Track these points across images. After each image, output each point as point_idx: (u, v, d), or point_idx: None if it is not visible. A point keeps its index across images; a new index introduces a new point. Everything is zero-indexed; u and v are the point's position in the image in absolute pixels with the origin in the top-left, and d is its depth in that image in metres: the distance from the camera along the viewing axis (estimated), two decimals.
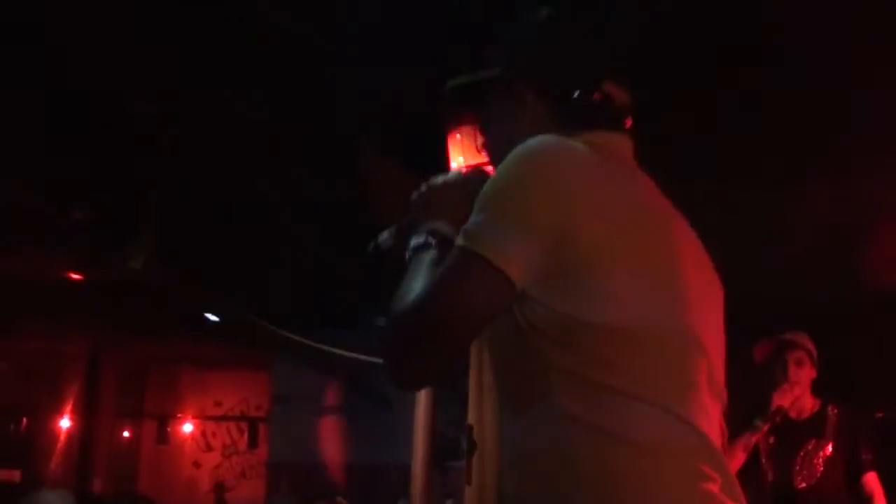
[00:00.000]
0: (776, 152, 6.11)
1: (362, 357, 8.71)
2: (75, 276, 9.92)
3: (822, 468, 5.81)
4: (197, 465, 16.18)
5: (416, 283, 1.96)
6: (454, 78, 2.29)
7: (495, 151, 2.20)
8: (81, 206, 7.35)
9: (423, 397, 6.92)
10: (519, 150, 1.90)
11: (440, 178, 2.29)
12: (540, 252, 1.81)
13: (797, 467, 5.84)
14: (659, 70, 4.49)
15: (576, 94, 2.12)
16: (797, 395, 6.02)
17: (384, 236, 2.37)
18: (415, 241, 2.14)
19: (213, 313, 8.87)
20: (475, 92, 2.27)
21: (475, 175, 2.29)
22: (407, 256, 2.14)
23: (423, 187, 2.29)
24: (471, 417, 3.00)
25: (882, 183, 6.40)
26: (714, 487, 1.80)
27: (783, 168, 6.29)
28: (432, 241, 2.12)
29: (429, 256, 2.08)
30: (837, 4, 4.52)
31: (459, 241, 1.86)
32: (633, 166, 2.10)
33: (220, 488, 15.21)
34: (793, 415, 6.04)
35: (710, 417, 1.92)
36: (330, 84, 5.57)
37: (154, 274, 6.93)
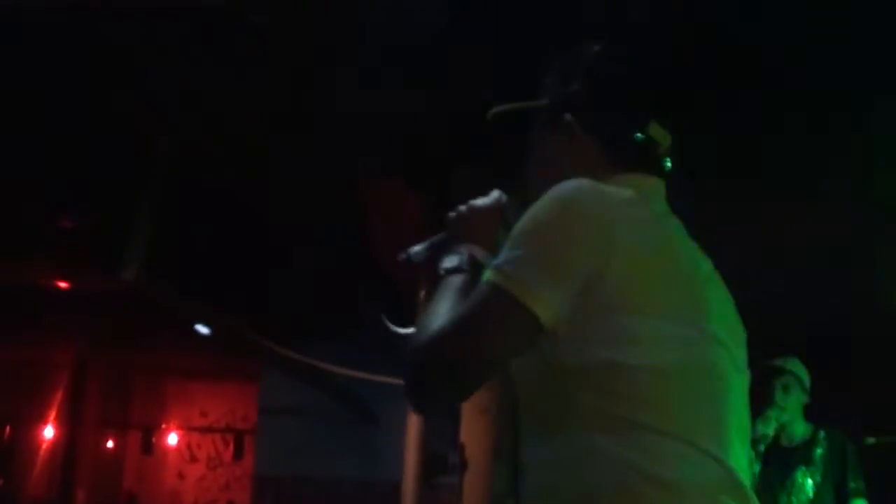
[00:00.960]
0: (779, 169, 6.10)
1: (350, 372, 8.67)
2: (62, 285, 9.85)
3: (811, 495, 5.81)
4: (181, 476, 16.10)
5: (443, 308, 2.00)
6: (499, 104, 2.32)
7: (536, 182, 2.21)
8: (71, 215, 7.30)
9: (413, 414, 6.90)
10: (556, 191, 1.94)
11: (480, 202, 2.33)
12: (570, 294, 1.84)
13: (787, 494, 5.83)
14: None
15: (625, 135, 2.16)
16: (785, 421, 6.00)
17: (416, 249, 2.42)
18: (448, 262, 2.21)
19: (203, 325, 8.79)
20: (520, 120, 2.31)
21: (515, 204, 2.31)
22: (439, 275, 2.20)
23: (463, 208, 2.33)
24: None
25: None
26: None
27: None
28: (466, 266, 2.18)
29: (460, 280, 2.13)
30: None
31: (490, 276, 1.89)
32: (667, 210, 2.14)
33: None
34: (784, 442, 6.03)
35: (738, 452, 1.92)
36: (328, 101, 5.54)
37: (144, 285, 6.85)
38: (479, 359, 1.88)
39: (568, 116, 2.17)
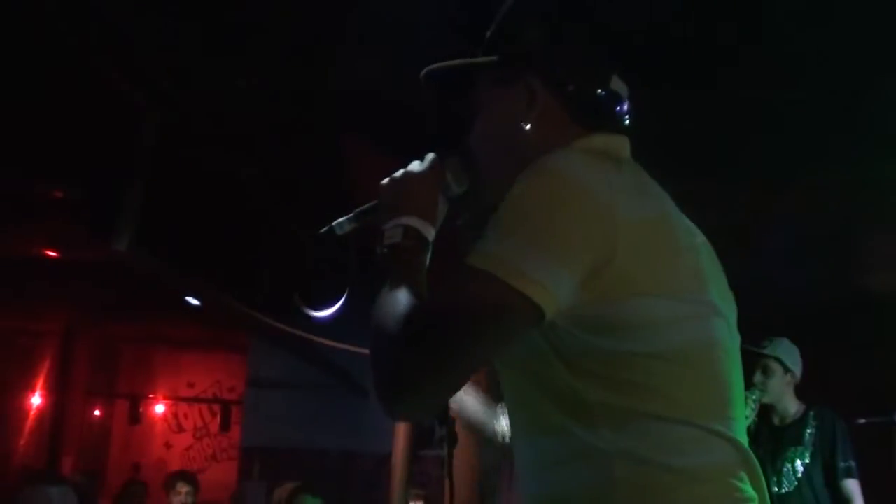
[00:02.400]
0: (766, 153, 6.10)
1: (339, 345, 8.66)
2: (52, 254, 9.82)
3: (801, 474, 5.83)
4: (168, 446, 16.09)
5: (403, 295, 1.83)
6: (438, 62, 2.15)
7: (488, 146, 2.09)
8: (61, 185, 7.27)
9: None
10: (545, 166, 1.78)
11: (416, 167, 2.13)
12: (574, 281, 1.71)
13: (777, 474, 5.86)
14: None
15: (589, 91, 2.02)
16: (770, 402, 6.02)
17: (341, 220, 2.23)
18: (389, 238, 2.02)
19: (193, 296, 8.77)
20: (464, 79, 2.14)
21: (451, 168, 2.15)
22: (379, 252, 2.02)
23: (398, 174, 2.13)
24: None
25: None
26: None
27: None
28: (409, 242, 2.00)
29: (410, 259, 1.97)
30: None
31: (478, 262, 1.72)
32: (641, 171, 1.99)
33: None
34: (775, 421, 6.06)
35: (742, 427, 1.87)
36: (315, 70, 5.51)
37: (134, 255, 6.83)
38: (471, 357, 1.70)
39: (527, 73, 2.02)
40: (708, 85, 5.19)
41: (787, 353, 6.14)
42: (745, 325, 2.01)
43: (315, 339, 8.69)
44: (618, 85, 2.04)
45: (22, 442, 15.28)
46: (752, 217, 6.91)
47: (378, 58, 5.14)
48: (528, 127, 1.99)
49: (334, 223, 2.23)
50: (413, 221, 2.02)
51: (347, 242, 2.25)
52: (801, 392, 6.19)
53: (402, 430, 7.29)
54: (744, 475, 1.79)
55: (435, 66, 2.14)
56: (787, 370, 6.11)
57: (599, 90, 2.03)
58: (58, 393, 14.92)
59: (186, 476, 9.50)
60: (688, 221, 1.98)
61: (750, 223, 7.01)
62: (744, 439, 1.83)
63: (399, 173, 2.13)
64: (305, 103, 5.88)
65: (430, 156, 2.16)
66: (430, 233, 2.05)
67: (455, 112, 2.23)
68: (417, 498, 8.44)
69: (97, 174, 6.60)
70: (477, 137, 2.13)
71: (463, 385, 1.74)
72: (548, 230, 1.72)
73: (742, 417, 1.88)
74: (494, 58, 2.08)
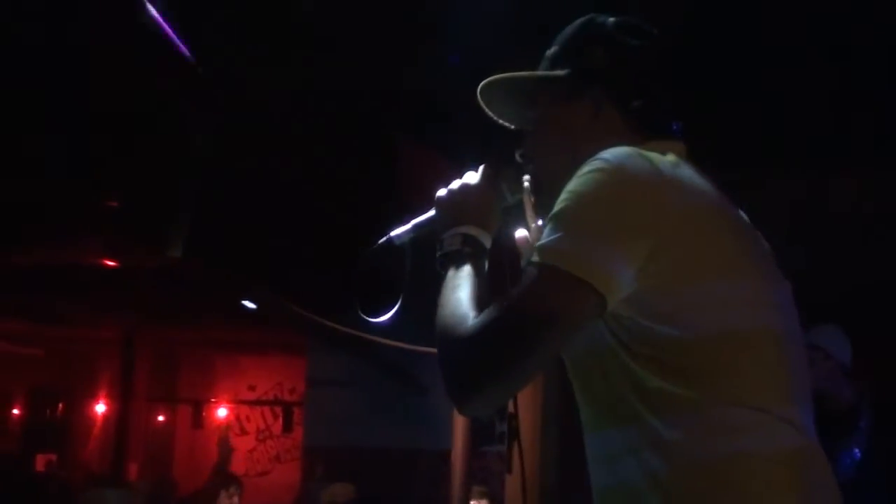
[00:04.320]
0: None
1: (397, 343, 8.68)
2: (110, 263, 9.93)
3: (854, 464, 5.77)
4: (232, 449, 16.23)
5: (465, 298, 1.90)
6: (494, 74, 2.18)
7: (551, 158, 2.12)
8: (116, 194, 7.35)
9: None
10: (600, 163, 1.82)
11: (471, 178, 2.19)
12: (631, 268, 1.74)
13: (833, 463, 5.79)
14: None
15: (651, 104, 2.06)
16: (818, 392, 5.95)
17: (399, 231, 2.27)
18: (448, 246, 2.09)
19: (249, 300, 8.85)
20: (525, 91, 2.17)
21: (506, 178, 2.20)
22: (438, 262, 2.09)
23: (454, 186, 2.19)
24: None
25: None
26: (818, 493, 1.78)
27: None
28: (467, 248, 2.06)
29: (471, 265, 2.02)
30: None
31: (541, 257, 1.77)
32: (691, 166, 2.00)
33: None
34: (826, 411, 5.98)
35: (808, 411, 1.86)
36: (363, 72, 5.53)
37: (189, 261, 6.91)
38: (541, 350, 1.75)
39: (594, 88, 2.06)
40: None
41: (831, 341, 6.02)
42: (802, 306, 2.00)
43: (372, 338, 8.72)
44: (676, 99, 2.11)
45: (88, 449, 15.49)
46: (806, 201, 6.85)
47: (434, 61, 5.15)
48: (591, 139, 2.00)
49: (392, 234, 2.27)
50: (471, 230, 2.09)
51: (403, 251, 2.28)
52: (855, 378, 6.10)
53: (460, 426, 7.28)
54: (809, 459, 1.79)
55: (498, 76, 2.18)
56: (829, 357, 6.02)
57: (661, 106, 2.08)
58: (121, 399, 15.12)
59: (231, 479, 9.59)
60: (738, 210, 2.00)
61: (804, 207, 6.94)
62: (808, 423, 1.84)
63: (456, 184, 2.19)
64: (361, 107, 5.90)
65: (486, 167, 2.21)
66: (488, 241, 2.11)
67: (511, 123, 2.28)
68: (482, 496, 8.42)
69: (151, 184, 6.68)
70: (540, 147, 2.17)
71: (532, 378, 1.80)
72: (603, 219, 1.76)
73: (807, 401, 1.88)
74: (563, 72, 2.11)
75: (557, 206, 1.81)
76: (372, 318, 2.33)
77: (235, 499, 8.91)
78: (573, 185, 1.81)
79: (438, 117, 5.68)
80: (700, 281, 1.77)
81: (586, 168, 1.82)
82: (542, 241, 1.79)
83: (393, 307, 2.32)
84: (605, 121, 2.05)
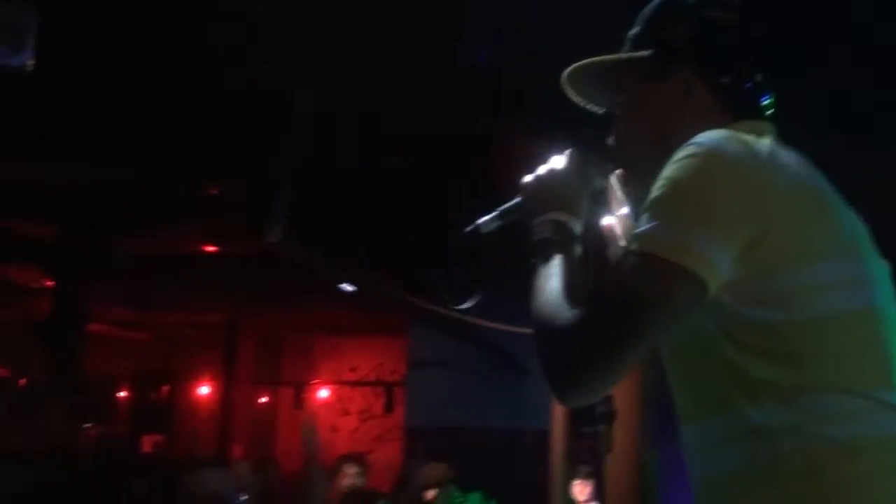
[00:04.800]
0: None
1: (496, 325, 8.68)
2: (211, 249, 10.09)
3: None
4: (334, 429, 16.37)
5: (561, 287, 1.88)
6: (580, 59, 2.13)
7: (640, 140, 2.08)
8: (217, 182, 7.46)
9: None
10: (695, 148, 1.78)
11: (558, 163, 2.15)
12: (731, 254, 1.70)
13: None
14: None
15: (741, 83, 2.01)
16: None
17: (486, 219, 2.24)
18: (538, 233, 2.05)
19: (348, 283, 8.91)
20: (611, 74, 2.12)
21: (594, 163, 2.16)
22: (530, 249, 2.05)
23: (540, 172, 2.15)
24: None
25: None
26: None
27: None
28: (559, 236, 2.03)
29: (563, 252, 1.99)
30: None
31: (639, 245, 1.73)
32: (785, 147, 1.95)
33: None
34: None
35: None
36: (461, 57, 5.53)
37: (289, 246, 6.97)
38: (642, 340, 1.71)
39: (682, 68, 2.01)
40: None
41: None
42: None
43: (472, 320, 8.73)
44: (764, 75, 2.04)
45: (193, 430, 15.76)
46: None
47: (529, 45, 5.13)
48: (681, 120, 1.98)
49: (479, 221, 2.24)
50: (561, 216, 2.05)
51: (490, 238, 2.24)
52: None
53: (559, 407, 7.28)
54: None
55: (583, 61, 2.13)
56: None
57: (750, 82, 2.03)
58: (225, 382, 15.36)
59: (353, 458, 9.64)
60: (835, 192, 1.93)
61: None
62: None
63: (542, 170, 2.15)
64: (452, 91, 5.90)
65: (572, 151, 2.17)
66: (578, 228, 2.07)
67: (598, 107, 2.23)
68: (586, 476, 8.39)
69: (250, 170, 6.75)
70: (628, 131, 2.12)
71: (631, 367, 1.76)
72: (703, 205, 1.72)
73: None
74: (648, 52, 2.06)
75: (654, 193, 1.77)
76: (455, 304, 2.32)
77: (358, 478, 8.97)
78: (669, 171, 1.77)
79: (529, 103, 5.66)
80: (803, 264, 1.73)
81: (682, 153, 1.78)
82: (640, 229, 1.75)
83: (475, 294, 2.31)
84: (695, 100, 2.01)
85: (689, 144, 1.78)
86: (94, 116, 6.42)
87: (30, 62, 4.07)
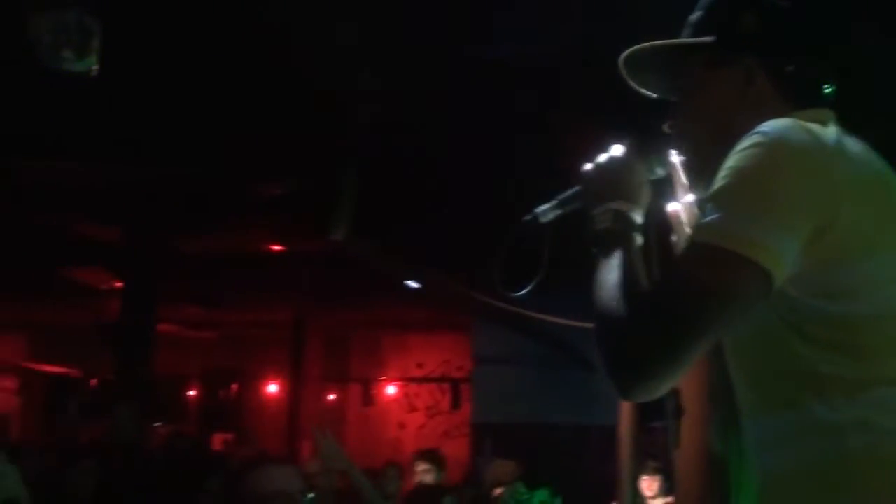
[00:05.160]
0: None
1: (562, 320, 8.66)
2: (278, 249, 10.15)
3: None
4: (402, 425, 16.42)
5: (624, 278, 1.85)
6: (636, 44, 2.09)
7: (702, 127, 2.04)
8: (281, 182, 7.51)
9: None
10: (760, 137, 1.74)
11: (617, 152, 2.10)
12: (800, 246, 1.67)
13: None
14: None
15: (804, 71, 1.97)
16: None
17: (544, 207, 2.20)
18: (599, 223, 2.01)
19: (414, 280, 8.94)
20: (671, 60, 2.07)
21: (654, 151, 2.12)
22: (589, 240, 2.01)
23: (600, 160, 2.10)
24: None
25: None
26: None
27: None
28: (620, 226, 1.99)
29: (623, 243, 1.95)
30: None
31: (703, 236, 1.71)
32: (850, 136, 1.90)
33: None
34: None
35: None
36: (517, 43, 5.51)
37: (354, 244, 7.01)
38: (706, 333, 1.69)
39: (745, 55, 1.97)
40: None
41: None
42: None
43: (536, 315, 8.72)
44: (828, 61, 2.00)
45: (262, 428, 15.88)
46: None
47: (587, 30, 5.10)
48: (743, 108, 1.94)
49: (538, 210, 2.21)
50: (621, 206, 2.01)
51: (548, 228, 2.21)
52: None
53: (627, 402, 7.23)
54: None
55: (641, 46, 2.09)
56: None
57: (814, 69, 1.99)
58: (293, 380, 15.46)
59: (426, 454, 9.65)
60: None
61: None
62: None
63: (602, 158, 2.11)
64: (512, 83, 5.88)
65: (633, 138, 2.13)
66: (639, 216, 2.03)
67: (656, 94, 2.20)
68: (655, 471, 8.32)
69: (314, 170, 6.79)
70: (688, 119, 2.08)
71: (694, 362, 1.72)
72: (769, 196, 1.70)
73: None
74: (710, 39, 2.02)
75: (717, 183, 1.74)
76: (510, 293, 2.29)
77: (431, 475, 8.98)
78: (733, 160, 1.74)
79: (589, 90, 5.63)
80: (871, 255, 1.70)
81: (746, 143, 1.74)
82: (704, 220, 1.72)
83: (532, 283, 2.28)
84: (757, 89, 1.96)
85: (754, 133, 1.75)
86: (160, 118, 6.49)
87: (94, 67, 4.12)
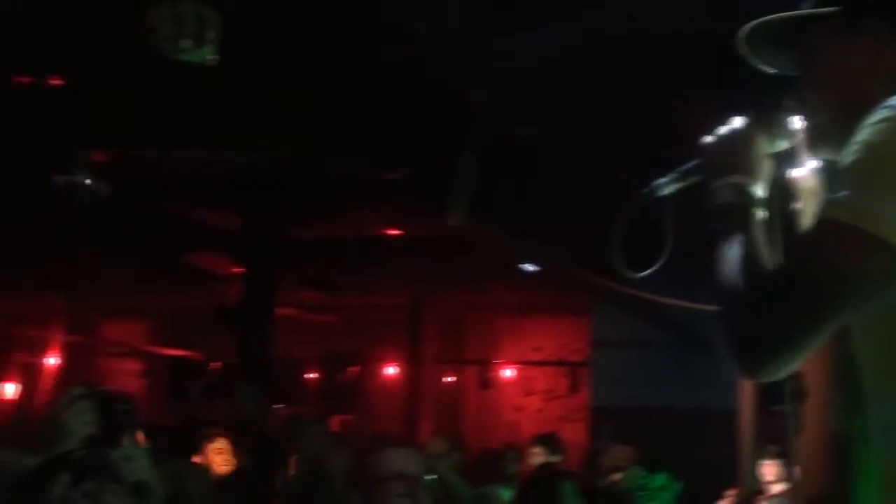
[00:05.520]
0: None
1: (681, 302, 8.56)
2: (395, 233, 10.22)
3: None
4: (519, 409, 16.42)
5: (743, 257, 1.79)
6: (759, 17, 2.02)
7: (829, 99, 1.96)
8: (397, 167, 7.54)
9: None
10: (892, 111, 1.67)
11: (738, 124, 2.04)
12: None
13: None
14: None
15: None
16: None
17: (662, 181, 2.15)
18: (720, 198, 1.95)
19: (531, 263, 8.93)
20: (793, 32, 2.01)
21: (777, 123, 2.04)
22: (709, 215, 1.95)
23: (721, 133, 2.04)
24: None
25: None
26: None
27: None
28: (742, 201, 1.92)
29: (744, 218, 1.89)
30: None
31: (832, 213, 1.65)
32: None
33: None
34: None
35: None
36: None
37: (472, 227, 7.02)
38: (835, 313, 1.65)
39: (873, 23, 1.89)
40: None
41: None
42: None
43: (654, 297, 8.63)
44: None
45: (381, 411, 16.02)
46: None
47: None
48: (872, 80, 1.87)
49: (656, 184, 2.16)
50: (742, 180, 1.95)
51: (667, 203, 2.17)
52: None
53: (748, 385, 7.13)
54: None
55: (761, 19, 2.02)
56: None
57: None
58: (411, 362, 15.56)
59: (543, 438, 9.66)
60: None
61: None
62: None
63: (723, 131, 2.05)
64: (636, 57, 5.80)
65: (754, 111, 2.06)
66: (760, 191, 1.97)
67: (779, 68, 2.14)
68: (776, 456, 8.19)
69: (432, 154, 6.80)
70: (814, 92, 2.01)
71: (820, 343, 1.68)
72: None
73: None
74: (835, 8, 1.94)
75: (848, 158, 1.68)
76: (633, 274, 2.24)
77: (548, 458, 9.01)
78: (864, 135, 1.68)
79: (709, 64, 5.54)
80: None
81: (878, 116, 1.68)
82: (833, 196, 1.67)
83: (656, 262, 2.23)
84: (886, 59, 1.88)
85: (886, 107, 1.69)
86: (277, 106, 6.56)
87: (212, 56, 4.18)
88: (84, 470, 3.15)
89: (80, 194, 6.65)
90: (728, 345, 1.73)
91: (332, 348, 16.67)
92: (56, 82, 6.48)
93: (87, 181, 6.62)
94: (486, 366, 16.26)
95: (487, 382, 16.24)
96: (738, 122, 2.05)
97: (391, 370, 16.61)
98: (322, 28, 5.46)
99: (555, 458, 9.06)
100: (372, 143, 7.00)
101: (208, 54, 4.15)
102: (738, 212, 1.91)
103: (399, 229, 10.21)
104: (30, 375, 17.25)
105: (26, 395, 16.50)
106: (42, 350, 17.60)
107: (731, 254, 1.83)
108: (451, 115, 6.20)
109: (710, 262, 1.88)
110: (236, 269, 11.09)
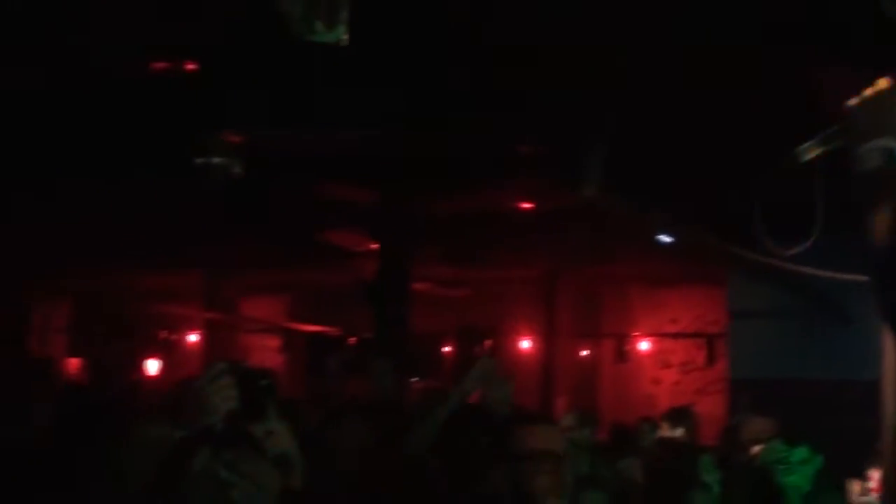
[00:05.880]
0: None
1: (820, 272, 8.40)
2: (528, 206, 10.22)
3: None
4: (656, 381, 16.33)
5: (886, 222, 1.76)
6: None
7: None
8: (530, 141, 7.55)
9: None
10: None
11: (884, 88, 1.98)
12: None
13: None
14: None
15: None
16: None
17: (805, 146, 2.11)
18: (867, 162, 1.90)
19: (666, 233, 8.84)
20: None
21: None
22: (857, 180, 1.91)
23: (868, 94, 1.98)
24: None
25: None
26: None
27: None
28: (890, 165, 1.88)
29: (894, 186, 1.84)
30: None
31: None
32: None
33: None
34: None
35: None
36: None
37: (605, 199, 6.99)
38: None
39: None
40: None
41: None
42: None
43: (793, 267, 8.48)
44: None
45: (516, 385, 16.04)
46: None
47: None
48: None
49: (798, 149, 2.12)
50: (891, 143, 1.90)
51: (813, 170, 2.13)
52: None
53: (890, 357, 6.96)
54: None
55: None
56: None
57: None
58: (546, 336, 15.57)
59: (671, 413, 9.58)
60: None
61: None
62: None
63: (870, 91, 1.99)
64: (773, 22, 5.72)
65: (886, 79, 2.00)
66: None
67: None
68: None
69: (565, 126, 6.79)
70: None
71: None
72: None
73: None
74: None
75: None
76: (780, 249, 2.19)
77: (679, 431, 8.92)
78: None
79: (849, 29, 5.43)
80: None
81: None
82: None
83: (809, 235, 2.18)
84: None
85: None
86: (411, 83, 6.62)
87: (345, 36, 4.23)
88: (225, 442, 3.24)
89: (216, 175, 6.82)
90: (886, 315, 1.68)
91: (466, 322, 16.77)
92: (191, 67, 6.64)
93: (224, 162, 6.79)
94: (621, 339, 16.20)
95: (623, 355, 16.20)
96: (883, 82, 1.99)
97: (526, 343, 16.64)
98: (452, 4, 5.50)
99: (678, 433, 8.97)
100: (504, 118, 7.01)
101: (341, 34, 4.21)
102: (885, 177, 1.87)
103: (532, 203, 10.20)
104: (172, 352, 17.74)
105: (168, 371, 16.96)
106: (184, 327, 18.09)
107: (881, 222, 1.80)
108: (586, 87, 6.19)
109: (857, 230, 1.83)
110: (372, 246, 11.23)
